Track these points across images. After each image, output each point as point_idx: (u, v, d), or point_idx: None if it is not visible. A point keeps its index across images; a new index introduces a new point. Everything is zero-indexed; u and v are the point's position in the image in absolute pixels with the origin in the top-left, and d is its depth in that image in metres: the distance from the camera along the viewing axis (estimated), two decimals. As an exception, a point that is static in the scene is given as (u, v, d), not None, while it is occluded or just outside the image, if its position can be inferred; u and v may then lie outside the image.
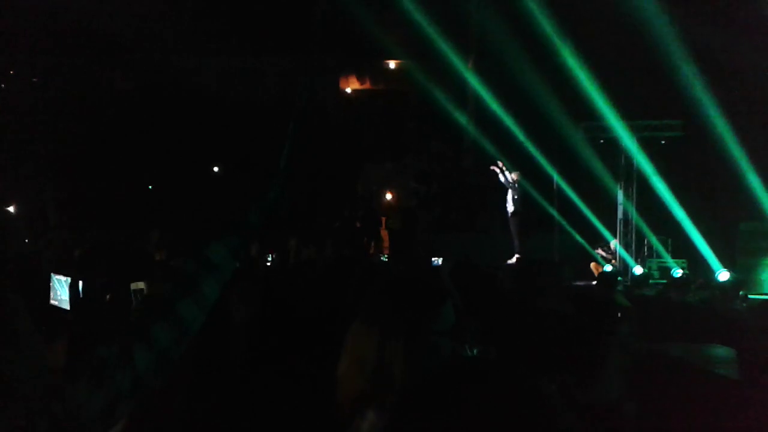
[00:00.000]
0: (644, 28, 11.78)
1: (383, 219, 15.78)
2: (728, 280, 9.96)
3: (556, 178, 14.11)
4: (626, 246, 13.82)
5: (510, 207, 12.61)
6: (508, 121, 14.44)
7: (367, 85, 22.69)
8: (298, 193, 14.78)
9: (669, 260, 12.85)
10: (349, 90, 22.35)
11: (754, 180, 10.70)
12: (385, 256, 12.89)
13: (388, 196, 20.23)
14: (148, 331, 1.41)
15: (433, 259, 9.48)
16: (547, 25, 13.25)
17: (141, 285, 2.75)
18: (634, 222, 13.75)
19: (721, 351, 5.93)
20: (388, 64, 21.82)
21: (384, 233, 15.55)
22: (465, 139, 17.87)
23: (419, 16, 14.83)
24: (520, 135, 14.68)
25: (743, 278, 10.70)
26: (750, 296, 9.92)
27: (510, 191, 12.62)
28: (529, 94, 14.03)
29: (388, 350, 1.50)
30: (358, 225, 14.23)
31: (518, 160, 14.15)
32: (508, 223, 12.81)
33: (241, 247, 1.61)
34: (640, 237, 13.95)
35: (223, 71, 20.66)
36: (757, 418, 4.27)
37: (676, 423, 4.84)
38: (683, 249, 13.23)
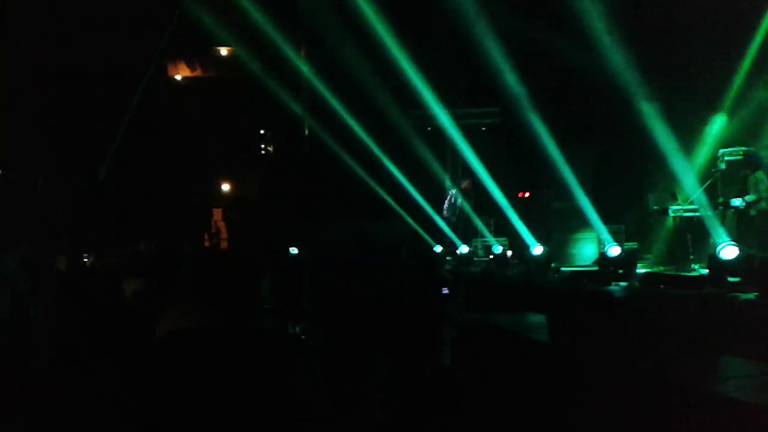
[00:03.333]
0: (464, 20, 12.51)
1: (221, 210, 15.62)
2: (541, 254, 10.92)
3: (389, 165, 14.68)
4: (454, 227, 14.70)
5: (444, 212, 13.82)
6: (341, 110, 14.78)
7: (198, 73, 22.09)
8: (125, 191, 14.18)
9: (491, 239, 13.84)
10: (178, 77, 21.68)
11: (562, 164, 11.84)
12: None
13: (226, 187, 19.95)
14: None
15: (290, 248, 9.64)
16: (374, 16, 13.67)
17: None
18: (459, 205, 14.65)
19: (536, 318, 6.49)
20: (219, 51, 21.39)
21: (222, 224, 15.38)
22: (301, 128, 18.01)
23: (251, 2, 14.73)
24: (354, 124, 15.07)
25: (555, 252, 11.80)
26: (562, 269, 11.00)
27: (448, 198, 13.73)
28: (360, 83, 14.43)
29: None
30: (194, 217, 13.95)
31: (354, 148, 14.58)
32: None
33: (37, 256, 1.68)
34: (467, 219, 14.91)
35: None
36: (563, 378, 4.81)
37: (499, 387, 5.38)
38: (504, 228, 14.29)
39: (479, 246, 14.31)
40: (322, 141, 15.51)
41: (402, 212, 14.73)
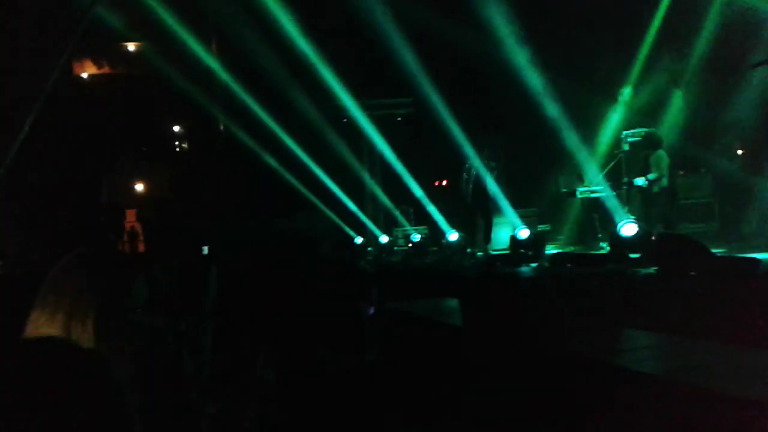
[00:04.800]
0: (375, 12, 12.55)
1: (134, 211, 15.18)
2: (457, 241, 11.10)
3: (306, 158, 14.60)
4: (374, 218, 14.80)
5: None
6: (256, 105, 14.61)
7: (105, 70, 21.35)
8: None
9: (409, 228, 14.00)
10: (85, 75, 20.89)
11: (469, 151, 12.06)
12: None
13: (140, 187, 19.39)
14: None
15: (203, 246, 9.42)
16: (286, 8, 13.54)
17: None
18: (378, 196, 14.76)
19: (452, 303, 6.58)
20: (127, 47, 20.73)
21: (137, 225, 14.97)
22: (215, 124, 17.71)
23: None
24: (269, 118, 14.90)
25: (470, 238, 12.02)
26: (477, 254, 11.21)
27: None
28: (273, 77, 14.28)
29: (75, 328, 1.62)
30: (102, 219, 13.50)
31: (271, 143, 14.43)
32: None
33: None
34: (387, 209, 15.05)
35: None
36: (477, 361, 4.91)
37: (418, 373, 5.45)
38: (425, 217, 14.46)
39: (400, 235, 14.45)
40: (237, 137, 15.29)
41: (321, 205, 14.70)
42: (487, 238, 10.90)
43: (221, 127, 17.36)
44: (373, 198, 15.37)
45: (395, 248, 13.67)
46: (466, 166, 10.90)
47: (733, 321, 4.70)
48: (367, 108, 14.60)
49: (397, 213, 14.50)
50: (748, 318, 4.65)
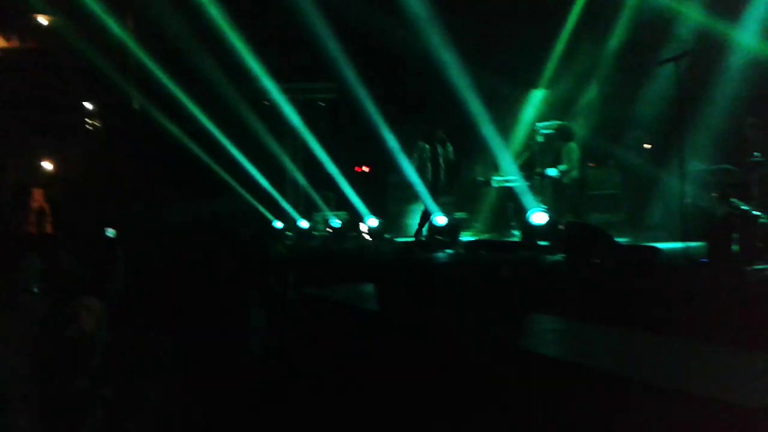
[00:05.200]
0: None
1: (42, 191, 14.51)
2: (376, 226, 11.21)
3: (225, 141, 14.32)
4: (294, 203, 14.71)
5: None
6: (172, 85, 14.19)
7: (14, 43, 20.24)
8: None
9: (329, 213, 13.99)
10: (-9, 48, 19.75)
11: (390, 139, 12.18)
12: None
13: (48, 165, 18.57)
14: None
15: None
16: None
17: None
18: (299, 181, 14.67)
19: (370, 288, 6.62)
20: (38, 20, 19.71)
21: (46, 205, 14.33)
22: (129, 102, 17.10)
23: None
24: (187, 99, 14.51)
25: (390, 224, 12.17)
26: (396, 239, 11.36)
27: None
28: (192, 56, 13.92)
29: None
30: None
31: (188, 123, 14.07)
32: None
33: None
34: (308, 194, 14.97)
35: None
36: (393, 346, 4.98)
37: (329, 355, 5.47)
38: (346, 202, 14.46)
39: (320, 220, 14.41)
40: (154, 117, 14.84)
41: (241, 189, 14.48)
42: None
43: (136, 107, 16.79)
44: (294, 183, 15.25)
45: (315, 233, 13.65)
46: (417, 147, 10.42)
47: (631, 306, 4.95)
48: (289, 92, 14.43)
49: (317, 198, 14.45)
50: (645, 304, 4.91)
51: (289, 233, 13.98)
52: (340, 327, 5.89)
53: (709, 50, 9.74)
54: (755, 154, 8.09)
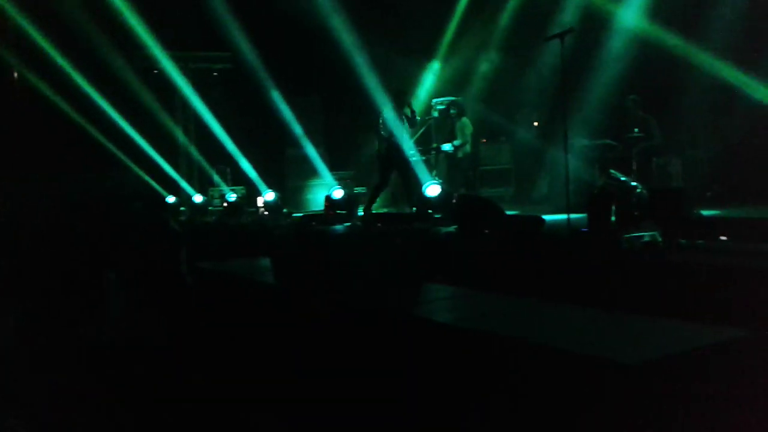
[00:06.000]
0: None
1: None
2: (273, 200, 11.09)
3: (112, 112, 13.66)
4: (189, 178, 14.32)
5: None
6: (54, 52, 13.35)
7: None
8: None
9: (225, 188, 13.71)
10: None
11: (287, 113, 12.07)
12: None
13: None
14: None
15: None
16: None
17: None
18: (193, 154, 14.26)
19: (266, 261, 6.55)
20: None
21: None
22: (8, 71, 15.98)
23: None
24: (69, 68, 13.67)
25: (290, 198, 12.08)
26: (294, 214, 11.28)
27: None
28: (74, 21, 13.09)
29: None
30: None
31: (74, 96, 13.30)
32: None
33: None
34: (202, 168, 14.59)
35: None
36: (288, 318, 4.98)
37: (230, 329, 5.42)
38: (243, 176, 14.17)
39: (215, 195, 14.12)
40: (36, 87, 13.94)
41: (131, 163, 13.92)
42: (410, 197, 9.16)
43: (15, 75, 15.72)
44: (188, 156, 14.80)
45: (210, 208, 13.36)
46: (382, 115, 9.32)
47: (518, 274, 5.18)
48: (180, 60, 13.90)
49: (213, 172, 14.12)
50: (530, 271, 5.15)
51: (183, 208, 13.63)
52: (234, 300, 5.83)
53: (593, 28, 10.20)
54: (635, 130, 8.62)
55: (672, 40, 9.25)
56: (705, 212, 5.80)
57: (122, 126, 13.53)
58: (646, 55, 9.70)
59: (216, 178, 14.18)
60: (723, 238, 4.84)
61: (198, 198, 13.43)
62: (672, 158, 8.67)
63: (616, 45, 10.24)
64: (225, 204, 12.51)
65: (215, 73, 14.66)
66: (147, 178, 13.75)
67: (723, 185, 8.35)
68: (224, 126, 13.60)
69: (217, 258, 7.20)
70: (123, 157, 13.86)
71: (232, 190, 13.36)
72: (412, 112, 9.19)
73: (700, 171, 8.88)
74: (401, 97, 9.33)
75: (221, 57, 14.40)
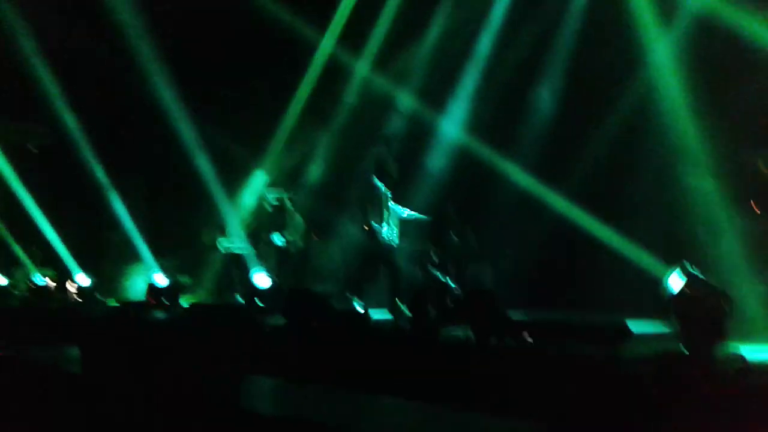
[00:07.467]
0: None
1: None
2: (87, 286, 10.56)
3: None
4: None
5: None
6: None
7: None
8: None
9: (32, 270, 12.72)
10: None
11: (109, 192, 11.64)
12: None
13: None
14: None
15: None
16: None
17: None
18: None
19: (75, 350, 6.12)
20: None
21: None
22: None
23: None
24: None
25: (101, 283, 11.44)
26: (108, 301, 10.67)
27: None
28: None
29: None
30: None
31: None
32: None
33: None
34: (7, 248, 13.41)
35: None
36: (95, 409, 4.68)
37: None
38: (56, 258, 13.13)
39: (21, 278, 12.98)
40: None
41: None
42: (398, 292, 7.53)
43: None
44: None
45: (16, 292, 12.30)
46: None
47: (341, 366, 5.28)
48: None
49: (20, 253, 13.05)
50: (354, 363, 5.27)
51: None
52: (34, 391, 5.42)
53: (418, 135, 10.96)
54: (453, 235, 9.24)
55: (486, 152, 10.14)
56: (512, 313, 6.29)
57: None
58: (464, 164, 10.52)
59: (23, 258, 13.11)
60: (528, 338, 5.27)
61: (1, 280, 12.33)
62: (484, 263, 9.38)
63: (438, 151, 11.00)
64: (33, 287, 11.60)
65: (35, 150, 13.76)
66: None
67: (529, 289, 9.10)
68: (37, 202, 12.70)
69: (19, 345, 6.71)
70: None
71: (42, 271, 12.40)
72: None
73: (509, 275, 9.59)
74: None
75: (41, 131, 13.58)
